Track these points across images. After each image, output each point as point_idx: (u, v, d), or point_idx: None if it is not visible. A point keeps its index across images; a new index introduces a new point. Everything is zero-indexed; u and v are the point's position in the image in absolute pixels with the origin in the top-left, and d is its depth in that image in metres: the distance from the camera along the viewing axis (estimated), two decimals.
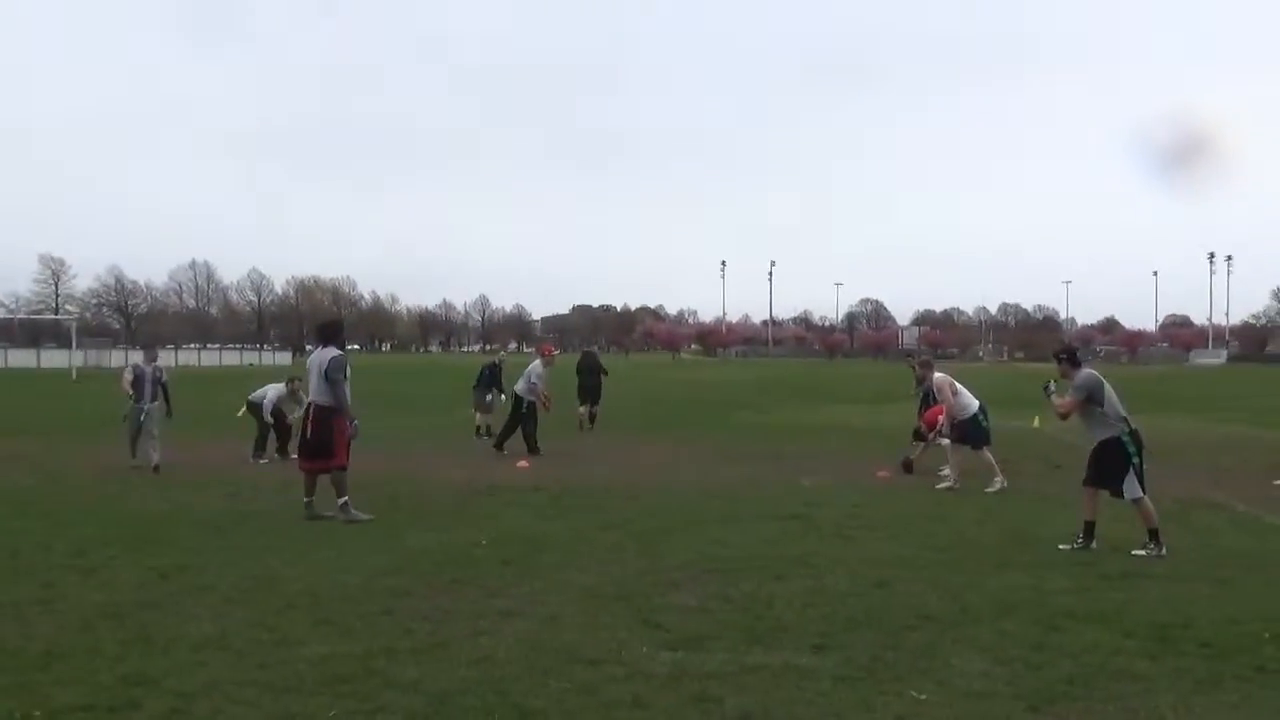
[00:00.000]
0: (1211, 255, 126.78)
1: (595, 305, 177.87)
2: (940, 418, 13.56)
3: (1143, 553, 8.43)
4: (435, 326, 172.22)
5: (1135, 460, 8.69)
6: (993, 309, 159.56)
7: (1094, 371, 9.15)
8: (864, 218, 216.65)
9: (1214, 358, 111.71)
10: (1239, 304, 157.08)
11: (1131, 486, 8.66)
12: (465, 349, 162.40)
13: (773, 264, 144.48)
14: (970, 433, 12.99)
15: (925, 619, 6.41)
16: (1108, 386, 8.93)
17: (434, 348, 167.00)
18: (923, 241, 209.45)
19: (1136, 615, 6.47)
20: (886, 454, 15.83)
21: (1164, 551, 8.42)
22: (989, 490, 12.30)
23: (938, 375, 13.48)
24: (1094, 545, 8.73)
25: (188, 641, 5.89)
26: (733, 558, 8.34)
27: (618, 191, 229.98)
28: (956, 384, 13.22)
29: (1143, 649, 5.76)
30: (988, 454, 12.91)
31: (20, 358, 76.01)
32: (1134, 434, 8.81)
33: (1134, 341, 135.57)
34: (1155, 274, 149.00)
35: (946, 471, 13.07)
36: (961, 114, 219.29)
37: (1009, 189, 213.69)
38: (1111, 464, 8.75)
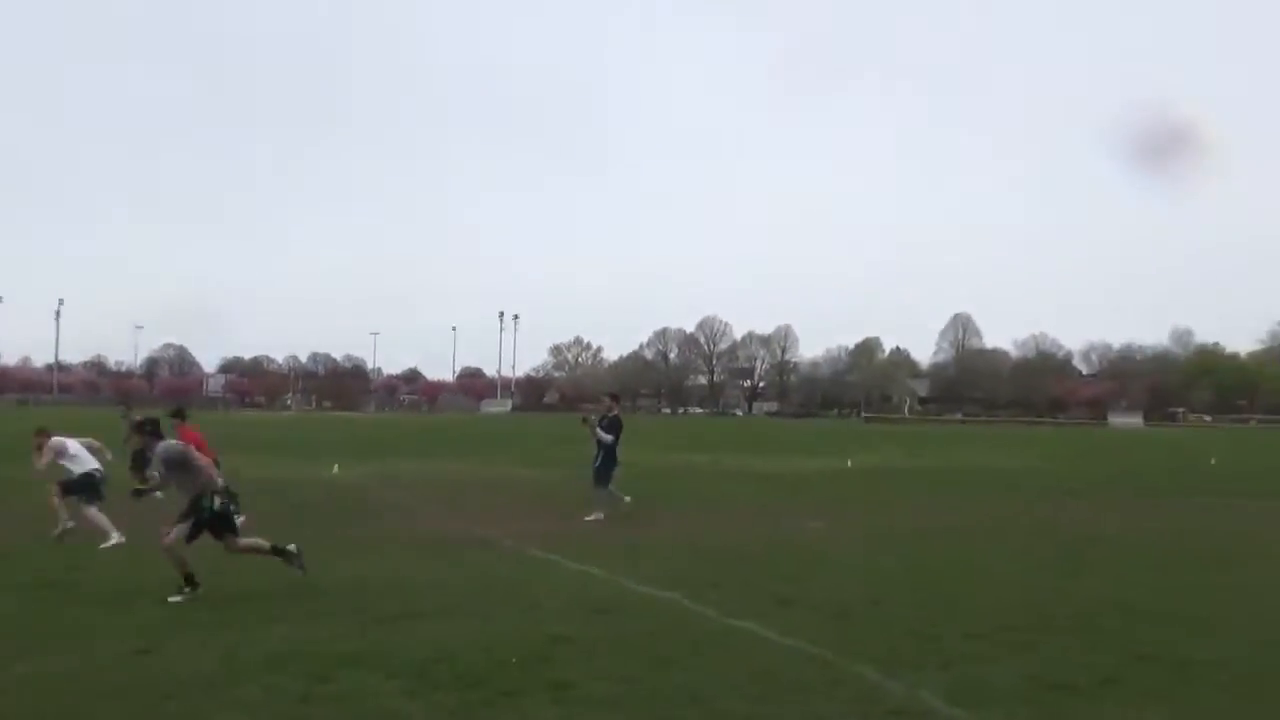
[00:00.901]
0: (502, 314, 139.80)
1: None
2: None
3: (179, 598, 8.57)
4: None
5: (213, 512, 8.99)
6: (303, 357, 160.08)
7: (172, 442, 9.66)
8: (160, 257, 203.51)
9: (501, 406, 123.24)
10: (524, 357, 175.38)
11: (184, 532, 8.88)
12: None
13: (61, 302, 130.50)
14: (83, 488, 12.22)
15: (189, 684, 6.03)
16: (192, 451, 9.49)
17: None
18: (232, 287, 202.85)
19: (402, 655, 6.71)
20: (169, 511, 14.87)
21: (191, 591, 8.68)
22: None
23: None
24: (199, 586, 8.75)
25: None
26: None
27: None
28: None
29: (404, 688, 5.97)
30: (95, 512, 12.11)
31: None
32: (226, 489, 9.36)
33: (434, 391, 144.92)
34: (454, 329, 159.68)
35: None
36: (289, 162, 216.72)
37: (319, 239, 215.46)
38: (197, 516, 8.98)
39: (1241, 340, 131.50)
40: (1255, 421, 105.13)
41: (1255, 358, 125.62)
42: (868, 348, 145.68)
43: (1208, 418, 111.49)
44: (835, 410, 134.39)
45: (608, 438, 15.12)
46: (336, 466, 23.13)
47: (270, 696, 5.79)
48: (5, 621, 7.75)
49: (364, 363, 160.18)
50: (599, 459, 15.10)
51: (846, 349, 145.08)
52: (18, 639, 7.15)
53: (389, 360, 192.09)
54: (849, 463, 29.39)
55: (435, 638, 7.23)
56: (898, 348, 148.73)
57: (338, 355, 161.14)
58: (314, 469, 23.51)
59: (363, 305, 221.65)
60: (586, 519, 14.71)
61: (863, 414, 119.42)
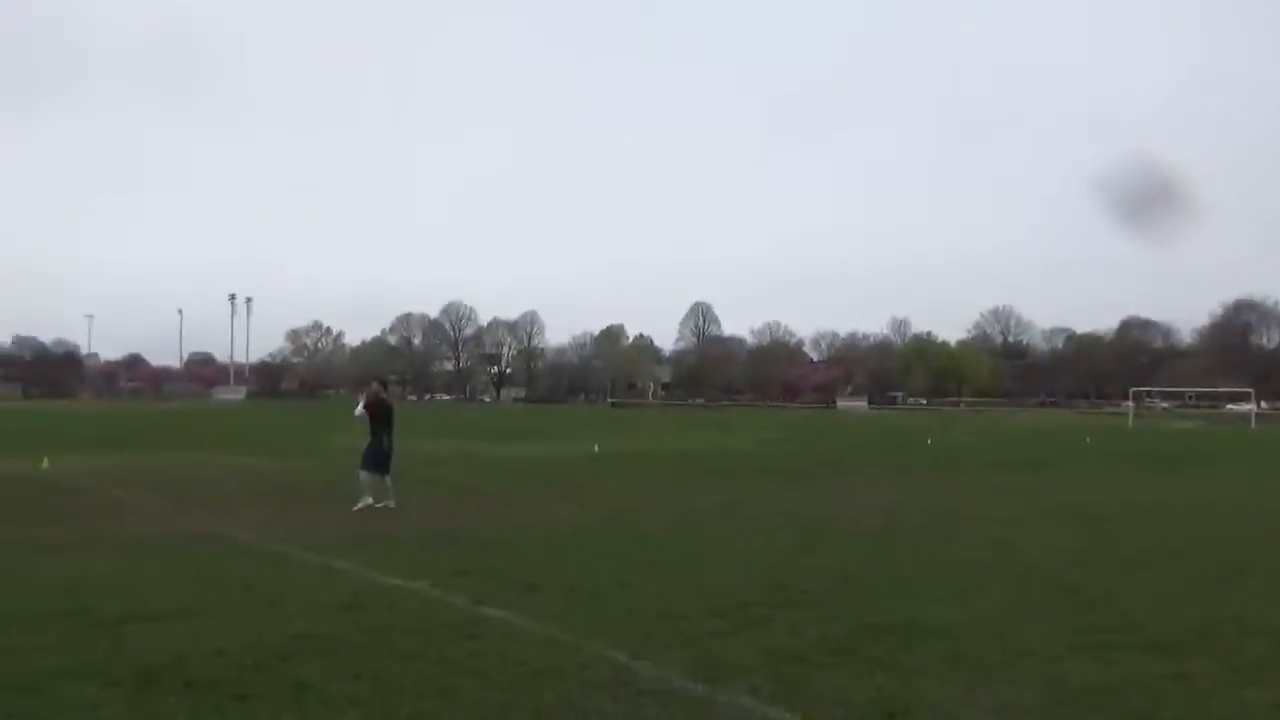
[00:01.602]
0: (233, 297, 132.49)
1: None
2: None
3: None
4: None
5: None
6: (6, 340, 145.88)
7: None
8: None
9: (235, 394, 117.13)
10: (257, 343, 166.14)
11: None
12: None
13: None
14: None
15: None
16: None
17: None
18: None
19: (125, 661, 6.22)
20: None
21: None
22: None
23: None
24: None
25: None
26: None
27: None
28: None
29: (126, 697, 5.54)
30: None
31: None
32: None
33: (159, 378, 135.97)
34: (180, 312, 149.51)
35: None
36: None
37: (18, 211, 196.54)
38: None
39: (951, 330, 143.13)
40: (963, 405, 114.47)
41: (963, 346, 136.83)
42: (612, 334, 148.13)
43: (923, 401, 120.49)
44: (582, 396, 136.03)
45: (360, 411, 15.13)
46: (46, 460, 21.26)
47: None
48: None
49: (78, 348, 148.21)
50: (369, 445, 14.85)
51: (592, 335, 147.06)
52: None
53: (108, 345, 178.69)
54: (596, 448, 29.79)
55: (162, 641, 6.75)
56: (641, 334, 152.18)
57: (47, 339, 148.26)
58: (19, 463, 21.54)
59: (76, 285, 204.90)
60: (355, 509, 14.17)
61: (610, 399, 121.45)
